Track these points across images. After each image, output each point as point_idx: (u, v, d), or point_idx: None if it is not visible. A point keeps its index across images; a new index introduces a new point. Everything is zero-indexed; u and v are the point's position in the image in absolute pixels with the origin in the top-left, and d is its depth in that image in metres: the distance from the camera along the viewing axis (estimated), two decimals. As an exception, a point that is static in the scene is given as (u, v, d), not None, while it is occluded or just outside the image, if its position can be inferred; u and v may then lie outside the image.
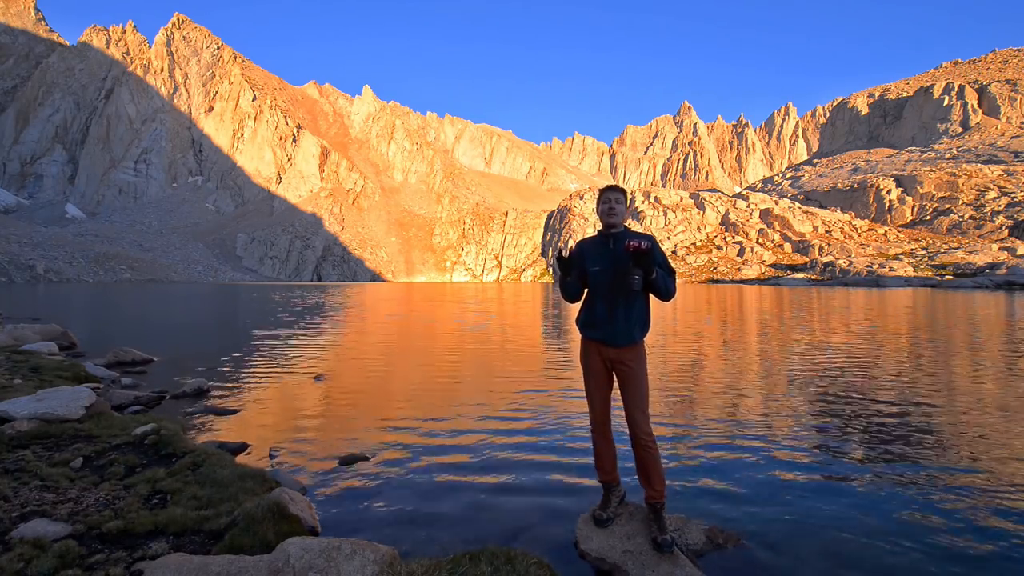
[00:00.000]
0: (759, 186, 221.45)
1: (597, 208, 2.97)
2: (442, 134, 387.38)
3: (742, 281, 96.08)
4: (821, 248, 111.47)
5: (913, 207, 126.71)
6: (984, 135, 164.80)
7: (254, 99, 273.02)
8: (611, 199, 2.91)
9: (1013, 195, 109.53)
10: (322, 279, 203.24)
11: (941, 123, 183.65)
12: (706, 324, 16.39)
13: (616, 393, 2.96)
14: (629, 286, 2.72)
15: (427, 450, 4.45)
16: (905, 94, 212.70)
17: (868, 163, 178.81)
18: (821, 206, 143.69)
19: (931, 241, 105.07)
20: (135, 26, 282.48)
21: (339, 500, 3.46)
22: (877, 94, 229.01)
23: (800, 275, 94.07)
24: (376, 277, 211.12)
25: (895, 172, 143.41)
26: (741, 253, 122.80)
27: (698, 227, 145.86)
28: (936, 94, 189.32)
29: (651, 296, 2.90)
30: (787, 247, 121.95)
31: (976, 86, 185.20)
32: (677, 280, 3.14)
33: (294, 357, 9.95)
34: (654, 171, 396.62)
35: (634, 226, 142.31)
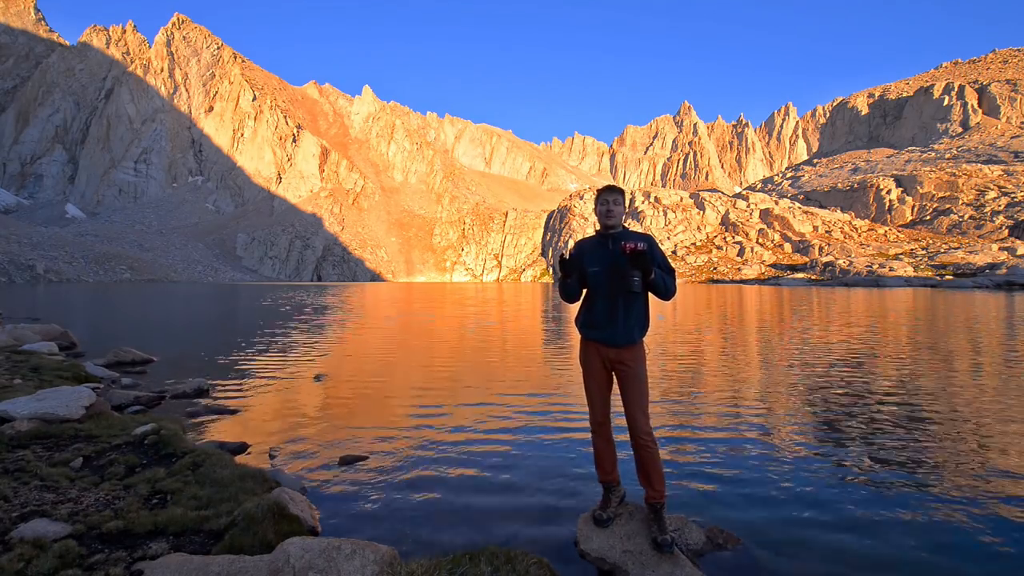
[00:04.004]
0: (759, 186, 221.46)
1: (595, 209, 2.97)
2: (442, 134, 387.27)
3: (742, 281, 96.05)
4: (821, 248, 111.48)
5: (913, 207, 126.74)
6: (984, 135, 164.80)
7: (254, 99, 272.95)
8: (609, 200, 2.91)
9: (1013, 195, 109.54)
10: (322, 279, 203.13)
11: (941, 123, 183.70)
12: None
13: (616, 393, 2.97)
14: (628, 287, 2.73)
15: (427, 450, 4.45)
16: (905, 94, 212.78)
17: (868, 163, 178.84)
18: (821, 206, 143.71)
19: (931, 241, 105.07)
20: (135, 26, 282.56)
21: (339, 500, 3.46)
22: (877, 94, 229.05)
23: (800, 275, 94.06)
24: (376, 277, 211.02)
25: (895, 172, 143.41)
26: (741, 253, 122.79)
27: (698, 227, 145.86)
28: (936, 94, 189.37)
29: (650, 296, 2.90)
30: (787, 247, 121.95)
31: (976, 86, 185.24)
32: (677, 280, 3.14)
33: (294, 357, 9.95)
34: (654, 171, 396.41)
35: (634, 226, 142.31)
